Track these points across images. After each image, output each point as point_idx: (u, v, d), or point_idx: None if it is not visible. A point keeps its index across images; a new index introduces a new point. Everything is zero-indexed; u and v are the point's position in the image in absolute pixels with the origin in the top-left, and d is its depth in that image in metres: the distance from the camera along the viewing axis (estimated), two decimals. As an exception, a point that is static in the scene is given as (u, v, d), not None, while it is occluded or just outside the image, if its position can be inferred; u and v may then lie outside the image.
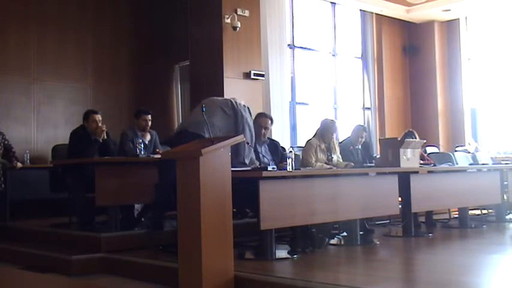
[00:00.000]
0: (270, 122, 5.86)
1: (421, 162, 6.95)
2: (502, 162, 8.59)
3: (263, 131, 5.77)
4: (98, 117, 6.49)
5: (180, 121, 9.74)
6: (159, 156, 6.15)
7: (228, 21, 8.77)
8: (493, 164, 8.55)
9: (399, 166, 6.12)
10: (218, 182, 4.09)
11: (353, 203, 5.54)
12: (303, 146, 6.61)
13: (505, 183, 7.68)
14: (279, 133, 9.02)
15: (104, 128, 6.39)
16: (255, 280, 4.15)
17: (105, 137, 6.45)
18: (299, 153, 6.54)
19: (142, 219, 6.40)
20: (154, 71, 9.55)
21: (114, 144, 6.58)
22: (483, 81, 11.95)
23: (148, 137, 6.83)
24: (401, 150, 6.14)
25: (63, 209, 6.81)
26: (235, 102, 5.41)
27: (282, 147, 6.03)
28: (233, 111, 5.25)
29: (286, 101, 9.79)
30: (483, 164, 8.27)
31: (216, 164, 4.09)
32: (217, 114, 5.24)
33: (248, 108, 5.45)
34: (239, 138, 4.52)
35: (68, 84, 8.68)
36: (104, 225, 6.12)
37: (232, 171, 4.22)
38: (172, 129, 9.48)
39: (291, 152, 5.05)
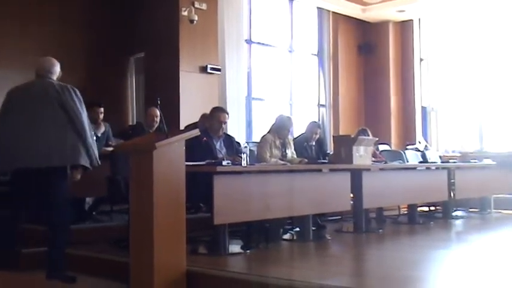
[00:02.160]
0: (227, 116, 5.81)
1: (373, 159, 7.03)
2: (450, 160, 8.79)
3: (220, 125, 5.74)
4: None
5: (135, 114, 9.63)
6: (111, 149, 6.04)
7: (185, 14, 8.67)
8: (441, 162, 8.75)
9: (352, 163, 6.18)
10: (172, 176, 4.05)
11: (306, 198, 5.56)
12: (258, 141, 6.60)
13: (452, 181, 7.83)
14: (235, 128, 8.98)
15: None
16: (208, 275, 4.14)
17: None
18: (254, 148, 6.54)
19: (94, 213, 6.29)
20: (109, 63, 9.37)
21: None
22: (435, 82, 12.13)
23: (101, 130, 6.73)
24: (354, 148, 6.20)
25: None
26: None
27: (237, 142, 6.03)
28: None
29: (242, 96, 9.76)
30: (432, 162, 8.45)
31: (170, 158, 4.05)
32: None
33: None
34: (194, 132, 4.45)
35: (18, 74, 8.40)
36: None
37: (186, 165, 4.18)
38: (126, 122, 9.36)
39: (246, 147, 5.07)
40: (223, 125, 5.71)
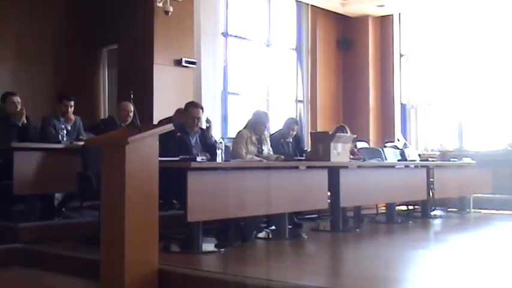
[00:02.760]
0: (201, 111, 5.81)
1: (351, 157, 7.09)
2: (429, 159, 8.87)
3: (195, 121, 5.75)
4: (17, 99, 6.29)
5: (107, 108, 9.55)
6: (82, 143, 6.00)
7: (160, 5, 8.59)
8: (420, 160, 8.83)
9: (329, 160, 6.23)
10: (145, 172, 4.05)
11: (283, 196, 5.59)
12: (234, 137, 6.62)
13: (431, 179, 7.91)
14: (210, 123, 9.02)
15: (24, 112, 6.20)
16: (180, 274, 4.13)
17: (25, 121, 6.26)
18: (229, 144, 6.56)
19: (63, 209, 6.24)
20: (81, 54, 9.28)
21: (34, 129, 6.38)
22: (415, 78, 12.19)
23: (71, 123, 6.65)
24: (332, 145, 6.26)
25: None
26: None
27: (214, 139, 6.01)
28: None
29: (218, 91, 9.73)
30: (411, 161, 8.54)
31: (143, 153, 4.05)
32: None
33: None
34: (168, 127, 4.41)
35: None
36: (22, 214, 5.94)
37: (159, 161, 4.19)
38: (98, 116, 9.28)
39: (221, 143, 5.07)
40: (198, 121, 5.73)
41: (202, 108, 5.85)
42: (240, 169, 5.29)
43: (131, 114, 6.89)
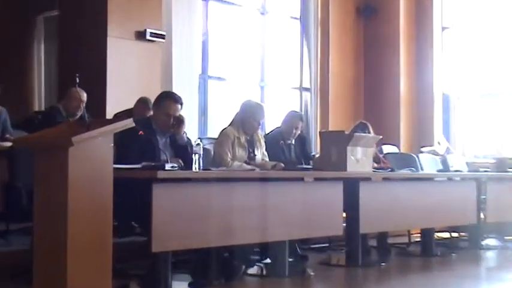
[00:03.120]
0: (179, 108, 5.74)
1: (375, 165, 7.09)
2: (481, 169, 8.84)
3: (170, 120, 5.71)
4: None
5: (43, 95, 9.51)
6: (9, 144, 5.97)
7: (116, -43, 8.61)
8: (468, 171, 8.79)
9: (345, 170, 6.18)
10: (94, 184, 4.04)
11: (282, 218, 5.59)
12: (216, 137, 6.60)
13: (483, 197, 7.90)
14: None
15: None
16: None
17: None
18: (210, 147, 6.55)
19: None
20: (9, 21, 9.23)
21: None
22: (462, 60, 12.08)
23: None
24: (349, 149, 6.19)
25: None
26: None
27: (187, 138, 5.99)
28: None
29: (195, 74, 9.58)
30: (456, 171, 8.49)
31: (93, 158, 4.04)
32: None
33: None
34: (127, 123, 4.39)
35: None
36: None
37: (115, 169, 4.19)
38: (31, 107, 9.24)
39: (198, 145, 5.07)
40: (174, 121, 5.71)
41: (181, 104, 5.80)
42: (224, 181, 5.25)
43: (83, 105, 6.96)
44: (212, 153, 6.37)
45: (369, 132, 7.31)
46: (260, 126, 6.56)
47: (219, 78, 10.50)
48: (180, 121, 5.75)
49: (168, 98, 5.83)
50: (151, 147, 5.45)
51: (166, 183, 4.70)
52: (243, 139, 6.37)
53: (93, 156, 4.04)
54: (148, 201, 4.56)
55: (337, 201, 6.09)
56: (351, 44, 12.05)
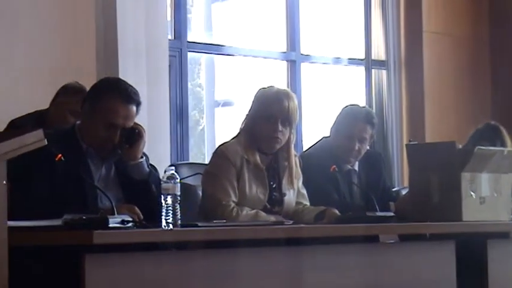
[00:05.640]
0: (133, 109, 4.31)
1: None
2: None
3: (115, 133, 4.31)
4: None
5: None
6: None
7: None
8: None
9: (461, 219, 4.70)
10: None
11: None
12: (208, 162, 5.10)
13: None
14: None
15: None
16: None
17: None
18: (196, 182, 5.22)
19: None
20: None
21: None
22: None
23: None
24: (467, 177, 4.76)
25: None
26: None
27: (151, 165, 4.42)
28: None
29: (161, 40, 7.41)
30: None
31: None
32: None
33: None
34: (33, 139, 3.26)
35: None
36: None
37: (11, 228, 3.20)
38: None
39: (171, 178, 3.68)
40: (122, 133, 4.30)
41: (138, 102, 4.33)
42: (224, 247, 3.91)
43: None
44: (200, 193, 4.91)
45: (504, 144, 5.75)
46: (291, 137, 4.85)
47: (210, 51, 8.16)
48: (134, 135, 4.34)
49: (110, 93, 4.36)
50: (79, 184, 4.18)
51: (109, 254, 3.50)
52: (258, 164, 4.71)
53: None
54: (74, 284, 3.39)
55: (445, 277, 4.62)
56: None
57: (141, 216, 3.93)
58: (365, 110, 5.74)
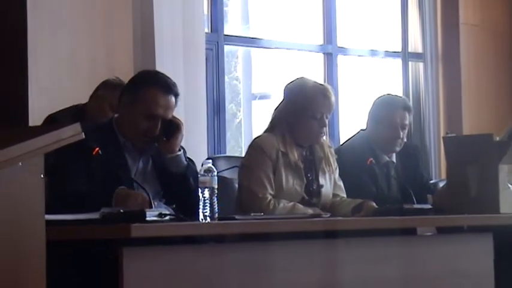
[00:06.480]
0: (173, 100, 4.31)
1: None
2: None
3: (156, 125, 4.28)
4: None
5: None
6: None
7: None
8: None
9: (498, 211, 4.72)
10: (12, 250, 2.80)
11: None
12: (244, 155, 5.09)
13: None
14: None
15: None
16: None
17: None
18: (233, 175, 5.17)
19: None
20: None
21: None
22: None
23: None
24: (503, 168, 4.80)
25: None
26: None
27: (188, 158, 4.38)
28: None
29: (199, 36, 7.37)
30: None
31: (9, 202, 2.84)
32: None
33: None
34: (71, 133, 3.02)
35: None
36: None
37: (49, 222, 2.99)
38: None
39: (208, 171, 3.70)
40: (159, 125, 4.27)
41: (176, 94, 4.31)
42: (260, 240, 3.93)
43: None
44: (237, 186, 4.87)
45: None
46: (323, 130, 4.79)
47: (252, 40, 8.20)
48: (172, 128, 4.29)
49: (150, 84, 4.32)
50: (116, 177, 4.14)
51: (147, 247, 3.49)
52: (295, 155, 4.68)
53: (10, 198, 2.85)
54: (114, 274, 3.37)
55: (483, 269, 4.59)
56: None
57: (177, 210, 3.92)
58: (401, 98, 5.76)
